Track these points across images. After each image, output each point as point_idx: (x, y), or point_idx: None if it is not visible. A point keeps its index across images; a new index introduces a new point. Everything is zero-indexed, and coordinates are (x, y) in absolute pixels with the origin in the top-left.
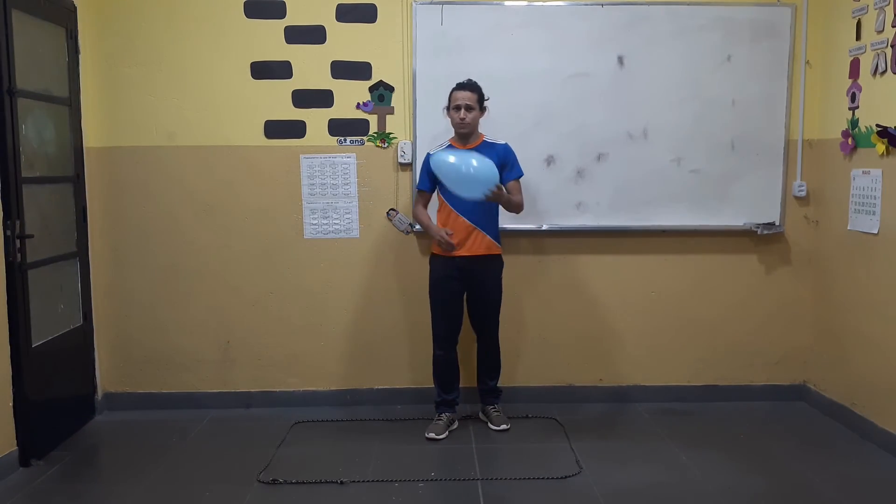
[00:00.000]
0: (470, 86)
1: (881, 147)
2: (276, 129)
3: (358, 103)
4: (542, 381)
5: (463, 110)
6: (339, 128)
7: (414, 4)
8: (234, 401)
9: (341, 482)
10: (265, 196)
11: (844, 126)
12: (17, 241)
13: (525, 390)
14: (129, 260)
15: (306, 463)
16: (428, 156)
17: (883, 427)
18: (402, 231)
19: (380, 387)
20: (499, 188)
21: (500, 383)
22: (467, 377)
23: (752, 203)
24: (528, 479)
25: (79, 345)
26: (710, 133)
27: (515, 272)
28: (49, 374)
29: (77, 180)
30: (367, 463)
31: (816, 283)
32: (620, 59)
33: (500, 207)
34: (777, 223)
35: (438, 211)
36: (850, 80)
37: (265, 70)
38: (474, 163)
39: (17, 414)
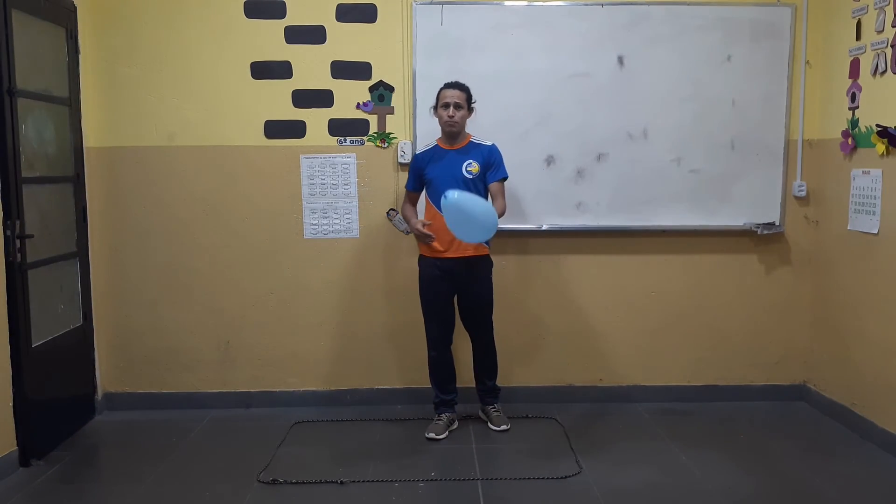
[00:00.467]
0: (458, 85)
1: (881, 147)
2: (276, 129)
3: (358, 103)
4: (542, 381)
5: (452, 108)
6: (339, 128)
7: (414, 4)
8: (234, 401)
9: (341, 482)
10: (265, 196)
11: (844, 126)
12: (17, 241)
13: (525, 390)
14: (129, 260)
15: (306, 463)
16: (414, 156)
17: (883, 427)
18: (402, 231)
19: (380, 387)
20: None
21: (500, 383)
22: (466, 377)
23: (752, 203)
24: (528, 479)
25: (79, 345)
26: (710, 133)
27: (515, 272)
28: (49, 374)
29: (77, 180)
30: (367, 463)
31: (816, 283)
32: (620, 59)
33: None
34: (777, 223)
35: (425, 212)
36: (850, 80)
37: (265, 70)
38: (484, 212)
39: (17, 414)
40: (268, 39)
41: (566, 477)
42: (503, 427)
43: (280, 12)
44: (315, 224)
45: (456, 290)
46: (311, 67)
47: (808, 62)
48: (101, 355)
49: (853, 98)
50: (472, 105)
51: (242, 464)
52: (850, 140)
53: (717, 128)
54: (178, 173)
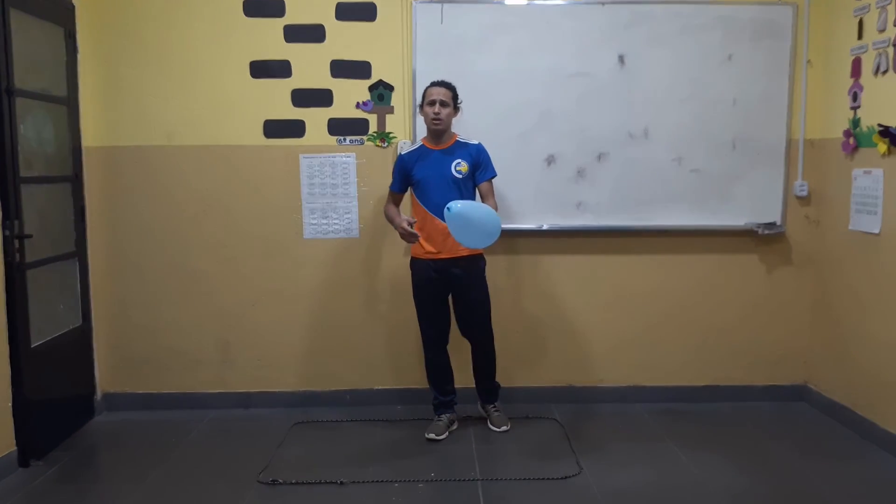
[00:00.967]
0: (444, 83)
1: (883, 147)
2: (275, 129)
3: (357, 103)
4: (542, 381)
5: (438, 105)
6: (339, 127)
7: (414, 3)
8: (234, 401)
9: (341, 482)
10: (265, 196)
11: (846, 125)
12: (16, 241)
13: (525, 390)
14: (128, 260)
15: (306, 463)
16: (399, 156)
17: (883, 427)
18: None
19: (380, 387)
20: None
21: (500, 383)
22: (466, 377)
23: (752, 203)
24: (528, 479)
25: (78, 345)
26: (711, 132)
27: (515, 272)
28: (48, 374)
29: (76, 180)
30: (367, 463)
31: (817, 283)
32: (621, 59)
33: None
34: (778, 223)
35: (414, 214)
36: (852, 80)
37: (264, 69)
38: (488, 218)
39: (17, 414)
40: (267, 38)
41: (566, 477)
42: (504, 428)
43: (279, 11)
44: (315, 224)
45: (450, 291)
46: (310, 66)
47: (809, 61)
48: (101, 355)
49: (855, 97)
50: (459, 104)
51: (242, 464)
52: (851, 140)
53: (718, 127)
54: (177, 173)
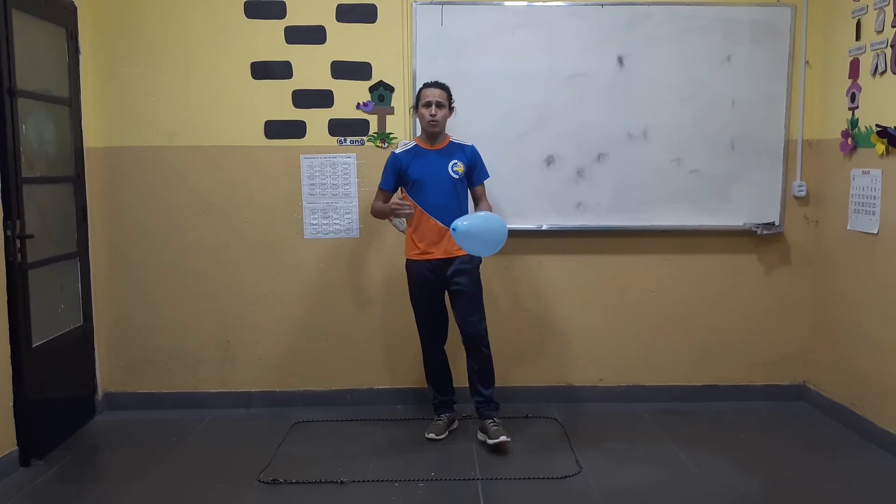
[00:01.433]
0: (439, 84)
1: (881, 147)
2: (276, 130)
3: (358, 103)
4: (542, 381)
5: (434, 107)
6: (340, 128)
7: (414, 4)
8: (234, 401)
9: (341, 482)
10: (265, 196)
11: (844, 126)
12: (18, 241)
13: (525, 390)
14: (129, 260)
15: (306, 463)
16: (393, 155)
17: (883, 427)
18: (402, 231)
19: (380, 387)
20: None
21: (500, 383)
22: (465, 377)
23: (751, 203)
24: (528, 479)
25: (79, 345)
26: (710, 133)
27: (515, 272)
28: (49, 374)
29: (77, 180)
30: (367, 463)
31: (816, 283)
32: (620, 60)
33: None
34: (777, 223)
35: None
36: (850, 80)
37: (265, 70)
38: (494, 227)
39: (18, 414)
40: (268, 40)
41: (566, 477)
42: (502, 439)
43: (280, 12)
44: (315, 224)
45: (445, 287)
46: (311, 67)
47: (807, 62)
48: (102, 355)
49: (853, 98)
50: (453, 105)
51: (242, 464)
52: (849, 140)
53: (717, 128)
54: (179, 173)
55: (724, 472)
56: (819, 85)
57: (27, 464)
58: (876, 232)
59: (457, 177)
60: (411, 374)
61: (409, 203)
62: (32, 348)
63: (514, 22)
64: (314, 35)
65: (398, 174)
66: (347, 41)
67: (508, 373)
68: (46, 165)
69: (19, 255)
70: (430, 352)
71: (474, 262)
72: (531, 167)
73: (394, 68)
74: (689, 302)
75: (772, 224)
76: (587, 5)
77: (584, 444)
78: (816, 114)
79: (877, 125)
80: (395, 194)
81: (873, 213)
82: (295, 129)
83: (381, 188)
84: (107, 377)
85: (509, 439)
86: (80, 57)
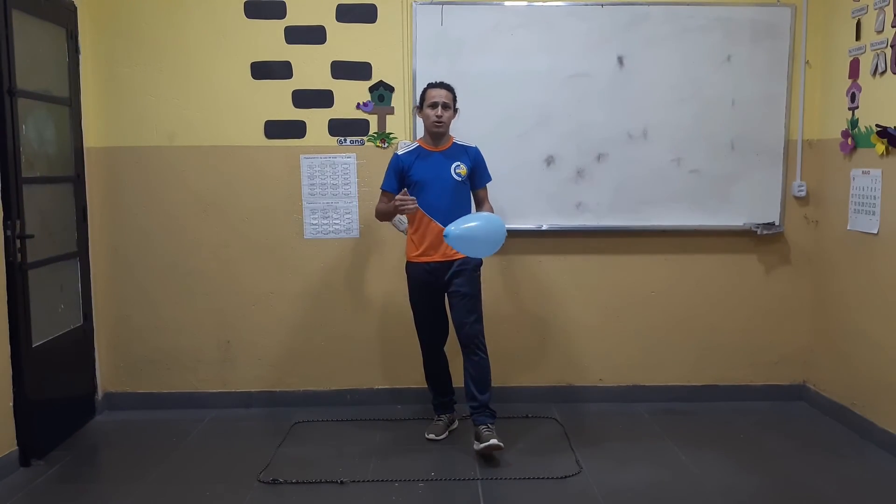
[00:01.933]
0: (445, 85)
1: (881, 147)
2: (276, 130)
3: (358, 103)
4: (542, 381)
5: (440, 108)
6: (340, 128)
7: (414, 4)
8: (234, 401)
9: (341, 482)
10: (265, 196)
11: (844, 126)
12: (18, 241)
13: (525, 390)
14: (129, 260)
15: (306, 463)
16: (395, 156)
17: (883, 427)
18: (402, 231)
19: (380, 387)
20: None
21: (500, 383)
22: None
23: (751, 203)
24: (528, 479)
25: (79, 345)
26: (710, 133)
27: (515, 272)
28: (49, 373)
29: (77, 180)
30: (367, 463)
31: (816, 283)
32: (620, 60)
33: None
34: (777, 223)
35: (409, 216)
36: (850, 81)
37: (265, 70)
38: (488, 229)
39: (18, 414)
40: (268, 40)
41: (566, 477)
42: (493, 441)
43: (280, 12)
44: (315, 224)
45: (445, 292)
46: (311, 67)
47: (807, 62)
48: (102, 355)
49: (853, 98)
50: (457, 107)
51: (242, 464)
52: (849, 140)
53: (717, 128)
54: (179, 173)
55: (724, 472)
56: (819, 85)
57: (27, 464)
58: (876, 232)
59: (459, 179)
60: (411, 374)
61: (411, 198)
62: (32, 348)
63: (514, 22)
64: (314, 35)
65: (400, 175)
66: (347, 41)
67: (509, 373)
68: (46, 165)
69: (19, 255)
70: (429, 353)
71: (473, 263)
72: (531, 167)
73: (394, 68)
74: (689, 302)
75: (772, 224)
76: (587, 5)
77: (584, 444)
78: (816, 114)
79: (877, 125)
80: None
81: (873, 213)
82: (295, 129)
83: (383, 190)
84: (107, 377)
85: (501, 444)
86: (80, 57)
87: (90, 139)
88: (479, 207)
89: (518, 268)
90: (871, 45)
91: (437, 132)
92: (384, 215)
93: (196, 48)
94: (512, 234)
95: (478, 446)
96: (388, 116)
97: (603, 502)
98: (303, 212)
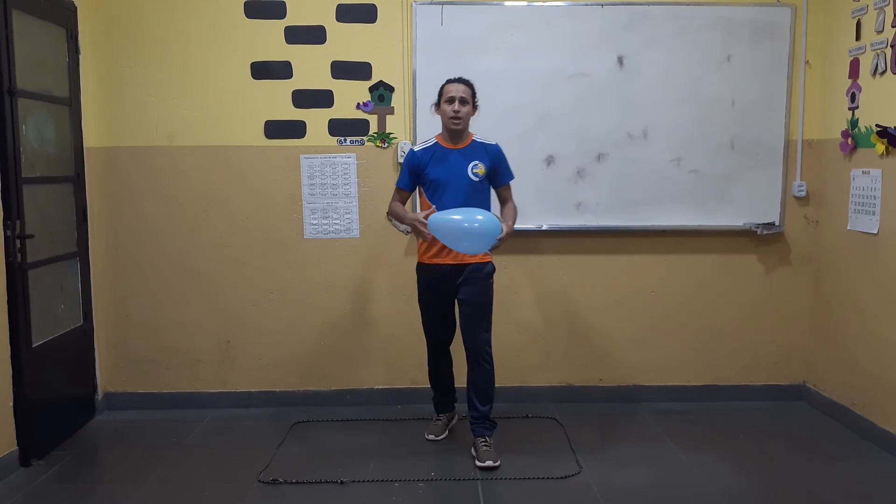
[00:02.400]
0: (464, 80)
1: (881, 147)
2: (276, 130)
3: (358, 103)
4: (542, 381)
5: (458, 102)
6: (340, 128)
7: (414, 4)
8: (234, 401)
9: (341, 482)
10: (265, 196)
11: (844, 126)
12: (18, 241)
13: (525, 390)
14: (129, 260)
15: (306, 463)
16: (411, 152)
17: (883, 427)
18: (402, 231)
19: (380, 387)
20: (499, 239)
21: (500, 383)
22: (464, 376)
23: (751, 203)
24: (528, 479)
25: (79, 345)
26: (710, 133)
27: (515, 272)
28: (49, 373)
29: (77, 180)
30: (367, 463)
31: (816, 283)
32: (620, 60)
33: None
34: (777, 223)
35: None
36: (850, 81)
37: (265, 70)
38: (479, 217)
39: (18, 414)
40: (268, 39)
41: (566, 477)
42: (489, 462)
43: (280, 12)
44: (315, 224)
45: (455, 294)
46: (311, 67)
47: (807, 62)
48: (102, 355)
49: (853, 98)
50: (476, 103)
51: (243, 463)
52: (849, 140)
53: (717, 128)
54: (179, 173)
55: (724, 472)
56: (819, 85)
57: (27, 464)
58: (876, 232)
59: (476, 179)
60: (411, 374)
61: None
62: (32, 348)
63: (513, 22)
64: (314, 35)
65: (415, 173)
66: (347, 41)
67: (509, 372)
68: (46, 165)
69: (19, 255)
70: (434, 352)
71: (485, 271)
72: (531, 167)
73: (394, 68)
74: (689, 302)
75: (772, 224)
76: (587, 5)
77: (584, 444)
78: (816, 114)
79: (877, 125)
80: (415, 203)
81: (873, 213)
82: (295, 129)
83: (398, 187)
84: (107, 377)
85: (498, 464)
86: (80, 57)
87: (90, 139)
88: (502, 207)
89: (518, 267)
90: (871, 45)
91: (454, 129)
92: (397, 218)
93: (196, 48)
94: (512, 233)
95: (476, 463)
96: (388, 116)
97: (603, 502)
98: (303, 212)
